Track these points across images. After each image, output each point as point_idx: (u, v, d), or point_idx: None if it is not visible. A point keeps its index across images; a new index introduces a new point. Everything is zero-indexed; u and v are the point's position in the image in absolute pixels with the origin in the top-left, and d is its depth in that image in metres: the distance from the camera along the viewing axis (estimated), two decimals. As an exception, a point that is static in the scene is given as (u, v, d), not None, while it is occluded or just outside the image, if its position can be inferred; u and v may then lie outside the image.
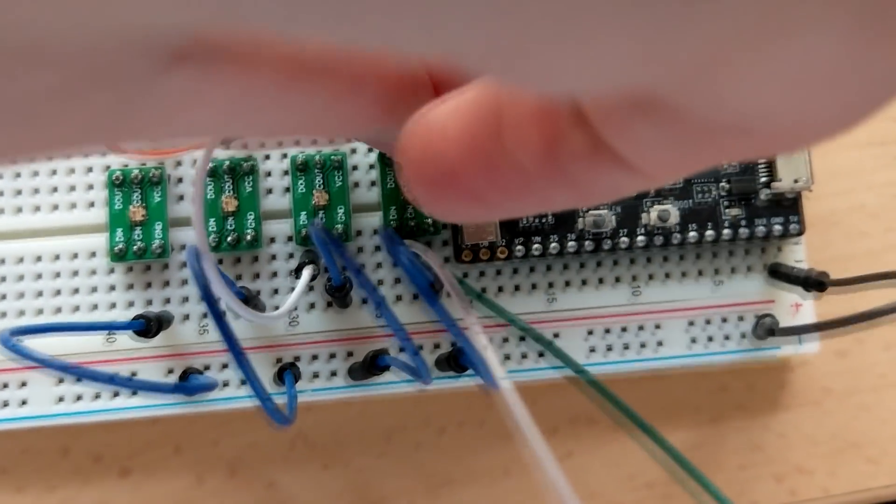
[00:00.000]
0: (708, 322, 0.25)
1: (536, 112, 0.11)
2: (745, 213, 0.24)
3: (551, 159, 0.11)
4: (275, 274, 0.24)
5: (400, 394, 0.24)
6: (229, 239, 0.23)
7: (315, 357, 0.24)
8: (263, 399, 0.18)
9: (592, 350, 0.24)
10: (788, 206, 0.24)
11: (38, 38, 0.07)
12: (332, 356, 0.24)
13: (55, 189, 0.24)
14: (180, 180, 0.24)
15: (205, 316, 0.23)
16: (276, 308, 0.23)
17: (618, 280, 0.24)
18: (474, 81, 0.12)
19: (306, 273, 0.22)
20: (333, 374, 0.24)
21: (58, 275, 0.23)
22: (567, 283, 0.24)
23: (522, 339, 0.24)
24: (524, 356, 0.24)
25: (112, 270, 0.23)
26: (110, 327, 0.23)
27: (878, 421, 0.26)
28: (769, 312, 0.24)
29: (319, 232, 0.18)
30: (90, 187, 0.24)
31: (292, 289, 0.23)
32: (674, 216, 0.23)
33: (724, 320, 0.25)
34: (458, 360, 0.22)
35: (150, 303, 0.23)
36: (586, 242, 0.23)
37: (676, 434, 0.26)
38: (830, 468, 0.26)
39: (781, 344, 0.24)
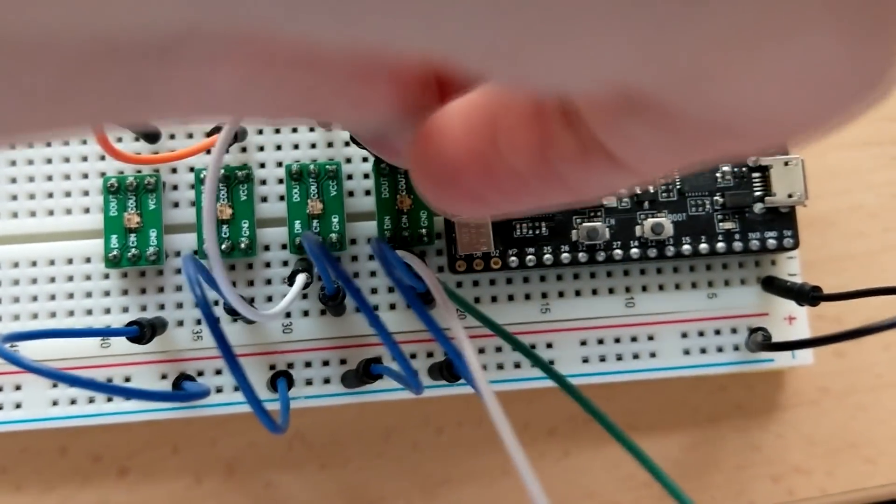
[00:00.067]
0: (701, 334, 0.25)
1: (528, 116, 0.11)
2: (739, 226, 0.24)
3: (543, 161, 0.11)
4: (269, 281, 0.24)
5: (394, 400, 0.24)
6: (224, 246, 0.23)
7: (309, 364, 0.24)
8: (256, 406, 0.18)
9: (586, 360, 0.24)
10: (783, 220, 0.24)
11: (44, 30, 0.08)
12: (326, 363, 0.24)
13: (51, 194, 0.24)
14: (175, 187, 0.24)
15: (199, 322, 0.23)
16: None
17: (611, 291, 0.24)
18: (478, 85, 0.12)
19: (299, 280, 0.22)
20: (327, 381, 0.24)
21: (53, 279, 0.23)
22: (561, 294, 0.24)
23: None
24: (517, 365, 0.24)
25: (107, 276, 0.24)
26: (104, 333, 0.23)
27: (875, 421, 0.26)
28: (762, 326, 0.24)
29: (312, 244, 0.18)
30: (86, 193, 0.24)
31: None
32: (668, 229, 0.23)
33: (718, 332, 0.25)
34: (450, 369, 0.23)
35: (144, 308, 0.24)
36: (580, 253, 0.23)
37: (674, 434, 0.26)
38: (828, 468, 0.26)
39: (774, 357, 0.24)
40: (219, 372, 0.24)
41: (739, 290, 0.25)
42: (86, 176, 0.24)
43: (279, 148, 0.24)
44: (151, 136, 0.24)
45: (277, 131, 0.24)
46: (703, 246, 0.23)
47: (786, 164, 0.23)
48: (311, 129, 0.24)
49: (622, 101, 0.10)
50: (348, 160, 0.24)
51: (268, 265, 0.24)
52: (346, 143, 0.24)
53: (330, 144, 0.24)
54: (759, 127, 0.09)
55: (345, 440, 0.25)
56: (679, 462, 0.26)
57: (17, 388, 0.23)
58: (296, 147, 0.24)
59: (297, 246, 0.23)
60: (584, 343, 0.24)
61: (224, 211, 0.23)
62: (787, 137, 0.10)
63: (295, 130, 0.24)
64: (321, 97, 0.12)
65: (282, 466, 0.25)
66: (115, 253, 0.23)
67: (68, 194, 0.24)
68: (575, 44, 0.07)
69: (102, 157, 0.24)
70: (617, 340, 0.24)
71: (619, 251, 0.23)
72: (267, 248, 0.24)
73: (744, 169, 0.24)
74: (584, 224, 0.23)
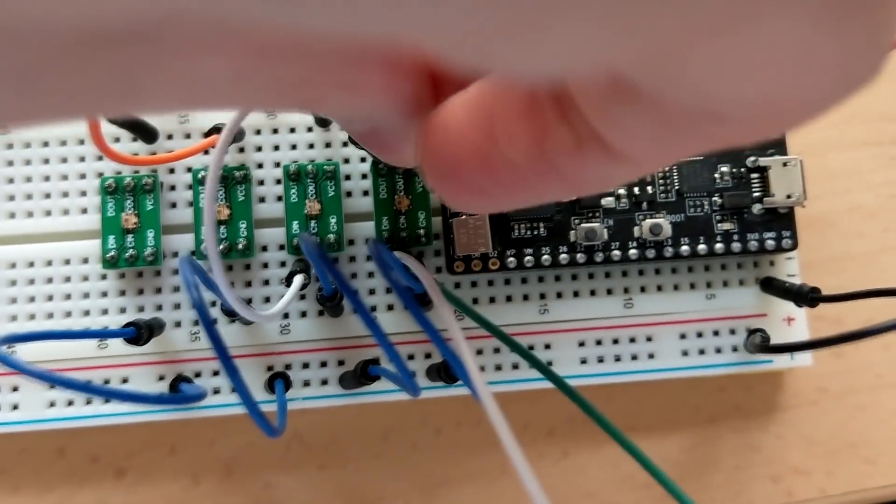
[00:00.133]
0: (700, 335, 0.25)
1: (524, 109, 0.11)
2: (737, 227, 0.24)
3: (540, 153, 0.11)
4: (267, 282, 0.24)
5: (391, 401, 0.24)
6: (221, 247, 0.23)
7: (306, 365, 0.24)
8: (252, 409, 0.18)
9: (584, 361, 0.24)
10: (781, 221, 0.24)
11: (18, 16, 0.08)
12: (324, 364, 0.24)
13: (48, 195, 0.24)
14: (173, 188, 0.24)
15: (196, 323, 0.23)
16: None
17: (610, 292, 0.24)
18: (476, 81, 0.13)
19: (297, 281, 0.22)
20: (324, 382, 0.24)
21: (50, 280, 0.23)
22: (559, 295, 0.24)
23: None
24: (515, 366, 0.24)
25: (104, 276, 0.23)
26: (101, 335, 0.23)
27: (875, 421, 0.26)
28: (761, 327, 0.24)
29: (309, 245, 0.18)
30: (83, 193, 0.24)
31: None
32: (666, 230, 0.23)
33: (717, 333, 0.25)
34: (448, 370, 0.22)
35: (141, 309, 0.24)
36: (578, 254, 0.23)
37: (674, 434, 0.26)
38: (827, 469, 0.26)
39: (773, 358, 0.24)
40: (216, 373, 0.23)
41: (738, 291, 0.24)
42: (83, 176, 0.24)
43: (277, 148, 0.24)
44: (149, 136, 0.24)
45: (275, 132, 0.24)
46: (702, 247, 0.23)
47: (784, 164, 0.23)
48: (309, 130, 0.24)
49: (614, 88, 0.10)
50: (346, 160, 0.24)
51: (265, 266, 0.24)
52: (345, 144, 0.24)
53: (328, 145, 0.24)
54: (744, 113, 0.09)
55: (343, 441, 0.25)
56: (678, 463, 0.26)
57: (15, 389, 0.23)
58: (293, 147, 0.24)
59: (295, 247, 0.23)
60: (582, 344, 0.24)
61: (222, 211, 0.23)
62: (774, 124, 0.10)
63: (293, 131, 0.24)
64: (313, 83, 0.12)
65: (280, 467, 0.25)
66: (112, 253, 0.23)
67: (66, 195, 0.24)
68: (550, 28, 0.07)
69: (100, 158, 0.24)
70: (615, 341, 0.24)
71: (617, 252, 0.23)
72: (265, 248, 0.24)
73: (742, 170, 0.24)
74: (583, 225, 0.23)
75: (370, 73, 0.13)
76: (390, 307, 0.24)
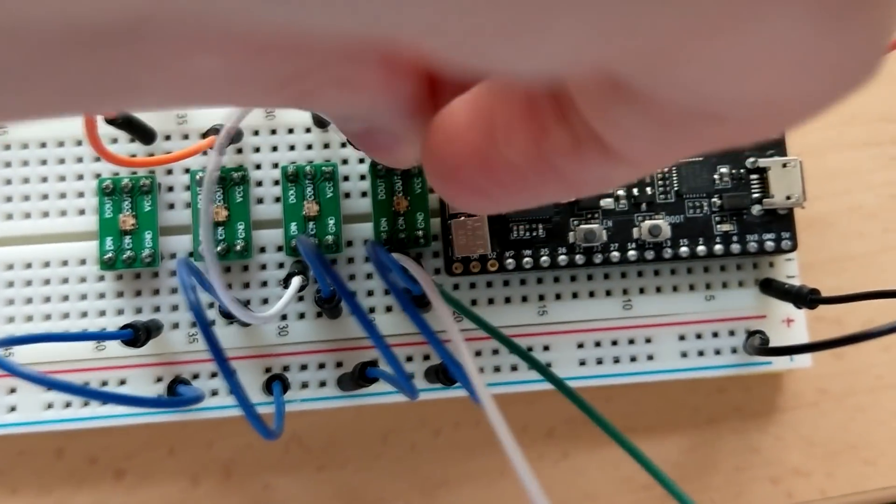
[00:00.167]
0: (699, 336, 0.24)
1: (523, 111, 0.12)
2: (737, 228, 0.23)
3: (539, 154, 0.12)
4: (265, 283, 0.24)
5: (390, 403, 0.24)
6: (219, 248, 0.23)
7: (304, 367, 0.24)
8: (249, 412, 0.18)
9: (583, 363, 0.24)
10: (781, 222, 0.23)
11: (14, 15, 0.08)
12: (322, 366, 0.24)
13: (46, 196, 0.24)
14: (171, 189, 0.24)
15: (194, 324, 0.23)
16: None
17: (609, 293, 0.24)
18: (477, 84, 0.13)
19: (294, 283, 0.22)
20: (323, 384, 0.24)
21: (48, 281, 0.23)
22: (558, 296, 0.24)
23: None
24: (514, 368, 0.24)
25: (102, 278, 0.23)
26: (98, 337, 0.23)
27: (875, 422, 0.26)
28: (760, 328, 0.24)
29: (307, 247, 0.18)
30: (81, 194, 0.24)
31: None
32: (665, 231, 0.23)
33: (716, 334, 0.24)
34: (446, 372, 0.22)
35: (139, 311, 0.23)
36: (577, 256, 0.23)
37: (673, 436, 0.26)
38: (827, 470, 0.26)
39: (772, 360, 0.24)
40: (214, 375, 0.23)
41: (737, 293, 0.24)
42: (81, 177, 0.24)
43: (275, 149, 0.24)
44: (147, 137, 0.24)
45: (273, 132, 0.24)
46: (701, 248, 0.23)
47: (784, 165, 0.23)
48: (308, 131, 0.24)
49: (612, 88, 0.10)
50: (345, 161, 0.24)
51: (263, 267, 0.24)
52: (343, 145, 0.24)
53: (326, 146, 0.24)
54: (742, 113, 0.09)
55: (342, 442, 0.25)
56: (678, 464, 0.26)
57: (12, 391, 0.23)
58: (292, 148, 0.24)
59: (293, 248, 0.23)
60: (581, 346, 0.24)
61: (220, 213, 0.23)
62: (772, 124, 0.10)
63: (291, 132, 0.24)
64: (309, 79, 0.12)
65: (279, 469, 0.25)
66: (109, 255, 0.23)
67: (63, 196, 0.24)
68: (548, 29, 0.07)
69: (98, 159, 0.24)
70: (614, 343, 0.24)
71: (616, 253, 0.23)
72: (263, 250, 0.24)
73: (741, 171, 0.24)
74: (582, 226, 0.23)
75: (367, 71, 0.13)
76: (389, 309, 0.24)
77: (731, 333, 0.24)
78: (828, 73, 0.09)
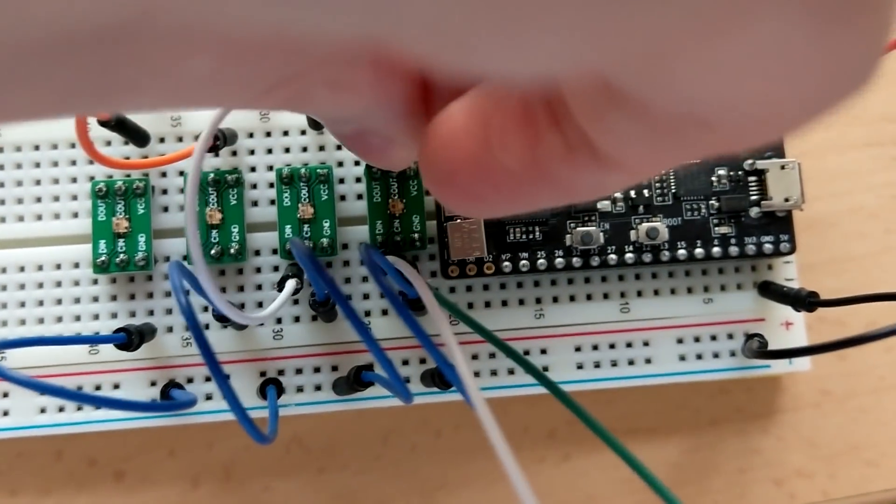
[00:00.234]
0: (697, 339, 0.24)
1: (518, 116, 0.12)
2: (735, 230, 0.23)
3: (533, 160, 0.12)
4: (259, 286, 0.24)
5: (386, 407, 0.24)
6: (213, 251, 0.23)
7: (299, 371, 0.24)
8: (242, 417, 0.17)
9: (580, 366, 0.24)
10: (779, 224, 0.23)
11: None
12: (317, 370, 0.24)
13: (39, 199, 0.24)
14: (164, 191, 0.24)
15: (188, 328, 0.23)
16: (261, 325, 0.23)
17: (606, 296, 0.24)
18: (473, 88, 0.13)
19: (289, 286, 0.22)
20: (318, 387, 0.23)
21: (41, 285, 0.23)
22: (555, 299, 0.24)
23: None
24: (511, 372, 0.24)
25: (95, 281, 0.23)
26: (91, 341, 0.22)
27: (877, 424, 0.26)
28: (759, 332, 0.24)
29: (300, 250, 0.18)
30: (74, 197, 0.24)
31: (277, 302, 0.22)
32: (663, 233, 0.23)
33: (714, 338, 0.24)
34: (442, 376, 0.22)
35: (133, 314, 0.23)
36: (574, 258, 0.23)
37: (675, 438, 0.26)
38: (830, 471, 0.26)
39: (771, 363, 0.24)
40: (209, 379, 0.23)
41: (736, 296, 0.24)
42: (74, 180, 0.24)
43: (270, 151, 0.24)
44: (140, 140, 0.23)
45: (268, 135, 0.24)
46: (699, 251, 0.23)
47: (782, 167, 0.23)
48: (303, 133, 0.24)
49: (604, 93, 0.10)
50: (340, 164, 0.24)
51: (258, 270, 0.24)
52: (338, 147, 0.24)
53: (321, 148, 0.24)
54: (733, 119, 0.09)
55: (342, 444, 0.25)
56: (680, 465, 0.26)
57: (5, 395, 0.23)
58: (287, 150, 0.24)
59: (288, 251, 0.23)
60: (578, 349, 0.24)
61: (214, 215, 0.23)
62: (764, 131, 0.10)
63: (286, 134, 0.24)
64: (300, 80, 0.12)
65: (279, 471, 0.25)
66: (103, 258, 0.23)
67: (56, 198, 0.24)
68: (533, 29, 0.07)
69: (91, 161, 0.23)
70: (612, 346, 0.24)
71: (613, 256, 0.23)
72: (257, 253, 0.24)
73: (740, 173, 0.23)
74: (579, 229, 0.23)
75: (358, 73, 0.13)
76: (384, 312, 0.24)
77: (730, 336, 0.24)
78: (821, 80, 0.09)
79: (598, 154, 0.11)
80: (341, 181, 0.24)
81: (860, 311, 0.26)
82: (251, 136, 0.24)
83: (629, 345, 0.24)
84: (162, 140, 0.24)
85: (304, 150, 0.24)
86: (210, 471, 0.25)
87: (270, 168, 0.24)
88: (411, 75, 0.14)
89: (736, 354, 0.24)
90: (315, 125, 0.24)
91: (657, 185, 0.23)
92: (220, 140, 0.23)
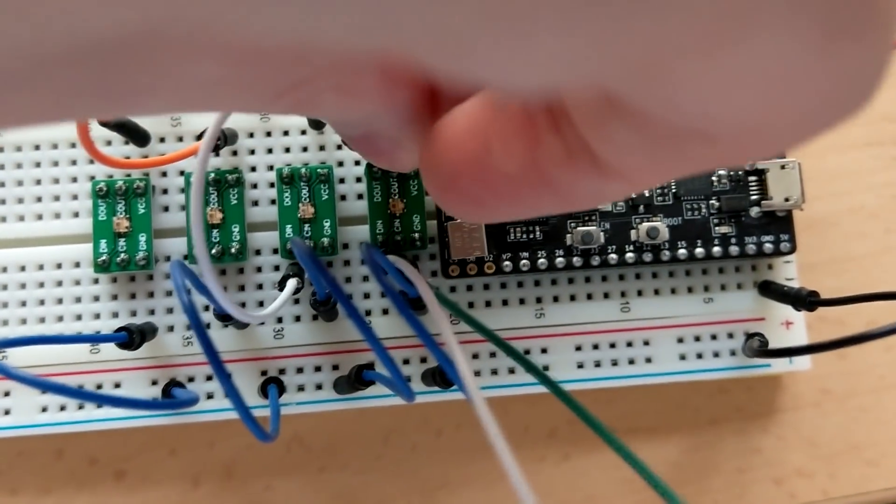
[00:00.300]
0: (698, 339, 0.24)
1: (520, 122, 0.12)
2: (735, 230, 0.23)
3: (533, 166, 0.12)
4: (260, 286, 0.24)
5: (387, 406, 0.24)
6: (214, 251, 0.23)
7: (300, 370, 0.24)
8: (244, 415, 0.17)
9: (581, 366, 0.24)
10: (779, 224, 0.23)
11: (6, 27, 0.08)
12: (318, 369, 0.24)
13: (40, 198, 0.24)
14: (165, 191, 0.24)
15: (189, 327, 0.23)
16: (262, 324, 0.23)
17: (607, 296, 0.24)
18: (475, 95, 0.13)
19: (290, 285, 0.22)
20: (319, 386, 0.24)
21: (42, 284, 0.23)
22: (556, 299, 0.24)
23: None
24: (511, 371, 0.24)
25: (96, 280, 0.23)
26: (92, 339, 0.22)
27: (878, 423, 0.26)
28: (759, 331, 0.24)
29: (301, 249, 0.18)
30: (74, 197, 0.24)
31: (278, 302, 0.22)
32: (663, 233, 0.23)
33: (714, 337, 0.24)
34: (443, 375, 0.22)
35: (134, 313, 0.23)
36: (575, 258, 0.23)
37: (675, 437, 0.26)
38: (830, 471, 0.26)
39: (771, 362, 0.24)
40: (210, 378, 0.23)
41: (736, 295, 0.24)
42: (75, 180, 0.24)
43: (270, 151, 0.24)
44: (141, 140, 0.23)
45: (269, 135, 0.24)
46: (699, 250, 0.23)
47: (782, 167, 0.23)
48: (303, 133, 0.24)
49: (605, 103, 0.10)
50: (340, 164, 0.24)
51: (259, 270, 0.24)
52: (339, 147, 0.24)
53: (322, 148, 0.24)
54: (731, 133, 0.09)
55: (343, 443, 0.25)
56: (680, 465, 0.26)
57: (6, 394, 0.23)
58: (287, 150, 0.24)
59: (289, 250, 0.23)
60: (579, 348, 0.24)
61: (214, 215, 0.23)
62: (763, 146, 0.10)
63: (286, 134, 0.24)
64: (308, 86, 0.12)
65: (280, 470, 0.25)
66: (104, 258, 0.23)
67: (57, 198, 0.24)
68: (517, 38, 0.07)
69: (92, 161, 0.23)
70: (612, 346, 0.24)
71: (614, 255, 0.23)
72: (258, 252, 0.24)
73: (740, 173, 0.23)
74: (579, 228, 0.23)
75: (365, 79, 0.13)
76: (385, 311, 0.24)
77: (730, 336, 0.24)
78: (824, 94, 0.09)
79: (598, 162, 0.11)
80: (342, 181, 0.24)
81: (860, 310, 0.26)
82: (252, 135, 0.24)
83: (629, 344, 0.24)
84: (162, 140, 0.24)
85: (305, 149, 0.24)
86: (211, 470, 0.25)
87: (271, 168, 0.24)
88: (418, 81, 0.14)
89: (736, 354, 0.24)
90: (315, 125, 0.24)
91: (657, 189, 0.23)
92: (221, 140, 0.23)
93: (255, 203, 0.24)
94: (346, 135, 0.16)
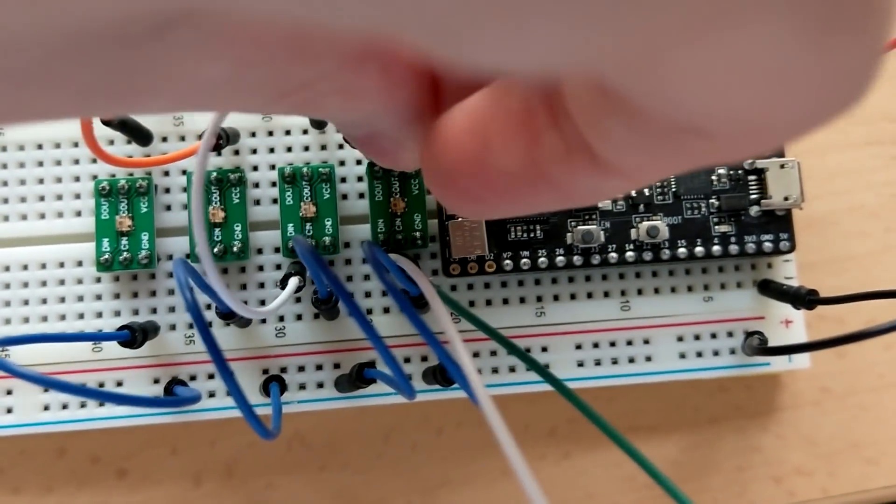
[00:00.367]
0: (697, 337, 0.24)
1: (519, 119, 0.12)
2: (735, 229, 0.23)
3: (532, 162, 0.12)
4: (262, 285, 0.24)
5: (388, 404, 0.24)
6: (216, 249, 0.23)
7: (302, 368, 0.24)
8: (247, 412, 0.17)
9: (581, 364, 0.24)
10: (779, 223, 0.23)
11: (20, 18, 0.08)
12: (320, 367, 0.24)
13: (42, 197, 0.24)
14: (167, 190, 0.24)
15: (191, 326, 0.23)
16: (263, 321, 0.23)
17: (607, 294, 0.24)
18: (475, 93, 0.13)
19: (291, 283, 0.22)
20: (320, 385, 0.24)
21: (44, 283, 0.23)
22: (556, 297, 0.24)
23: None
24: (512, 369, 0.24)
25: (99, 279, 0.23)
26: (95, 338, 0.23)
27: (877, 421, 0.26)
28: (759, 329, 0.24)
29: (303, 248, 0.18)
30: (77, 196, 0.24)
31: (280, 300, 0.22)
32: (663, 232, 0.23)
33: (714, 336, 0.24)
34: (444, 373, 0.22)
35: (136, 312, 0.23)
36: (575, 257, 0.23)
37: (675, 435, 0.26)
38: (829, 469, 0.26)
39: (770, 360, 0.24)
40: (211, 376, 0.23)
41: (735, 294, 0.24)
42: (77, 179, 0.24)
43: (272, 151, 0.24)
44: (143, 139, 0.24)
45: (270, 134, 0.24)
46: (699, 249, 0.23)
47: (782, 166, 0.23)
48: (305, 132, 0.24)
49: (603, 98, 0.10)
50: (342, 163, 0.24)
51: (261, 268, 0.24)
52: (340, 146, 0.24)
53: (323, 147, 0.24)
54: (726, 128, 0.09)
55: (344, 441, 0.25)
56: (679, 463, 0.26)
57: (9, 392, 0.23)
58: (289, 150, 0.24)
59: (290, 249, 0.23)
60: (579, 347, 0.24)
61: (216, 214, 0.23)
62: (759, 141, 0.10)
63: (288, 133, 0.24)
64: (312, 87, 0.12)
65: (281, 468, 0.25)
66: (106, 256, 0.23)
67: (60, 197, 0.24)
68: (527, 20, 0.07)
69: (94, 160, 0.24)
70: (612, 344, 0.24)
71: (614, 254, 0.23)
72: (260, 251, 0.24)
73: (739, 172, 0.24)
74: (579, 227, 0.23)
75: (367, 79, 0.13)
76: (386, 310, 0.24)
77: (730, 334, 0.24)
78: (819, 88, 0.08)
79: (596, 158, 0.11)
80: (343, 180, 0.24)
81: (860, 309, 0.26)
82: (253, 135, 0.24)
83: (629, 343, 0.24)
84: (164, 139, 0.24)
85: (307, 149, 0.24)
86: (212, 468, 0.25)
87: (273, 167, 0.24)
88: (418, 80, 0.14)
89: (736, 352, 0.24)
90: (317, 124, 0.24)
91: (657, 183, 0.24)
92: (223, 139, 0.23)
93: (257, 202, 0.24)
94: (350, 135, 0.17)
